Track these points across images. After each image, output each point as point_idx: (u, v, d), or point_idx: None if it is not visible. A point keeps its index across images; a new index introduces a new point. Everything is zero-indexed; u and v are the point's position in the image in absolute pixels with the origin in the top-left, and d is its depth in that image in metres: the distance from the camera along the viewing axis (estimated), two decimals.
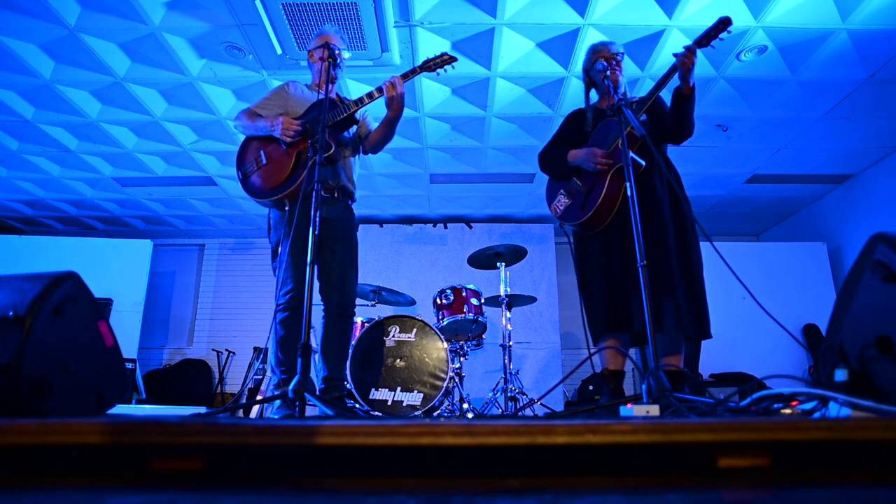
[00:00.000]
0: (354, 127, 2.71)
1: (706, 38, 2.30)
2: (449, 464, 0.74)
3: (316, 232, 1.92)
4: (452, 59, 2.52)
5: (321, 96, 2.39)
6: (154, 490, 0.70)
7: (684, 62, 2.25)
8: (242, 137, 2.69)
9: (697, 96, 2.45)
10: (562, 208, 2.49)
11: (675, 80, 2.34)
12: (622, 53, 2.53)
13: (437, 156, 4.91)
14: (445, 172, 5.23)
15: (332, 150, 2.40)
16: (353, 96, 3.88)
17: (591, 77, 2.61)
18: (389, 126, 2.59)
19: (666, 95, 2.52)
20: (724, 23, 2.27)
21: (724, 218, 6.30)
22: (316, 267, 2.49)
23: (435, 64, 2.52)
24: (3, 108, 4.03)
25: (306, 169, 2.38)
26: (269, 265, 2.63)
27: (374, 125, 2.70)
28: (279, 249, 2.51)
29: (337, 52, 2.52)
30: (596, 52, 2.56)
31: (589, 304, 2.42)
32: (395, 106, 2.48)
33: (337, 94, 2.65)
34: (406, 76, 2.51)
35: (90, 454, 0.76)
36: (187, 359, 6.50)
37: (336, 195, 2.58)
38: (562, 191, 2.52)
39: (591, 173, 2.41)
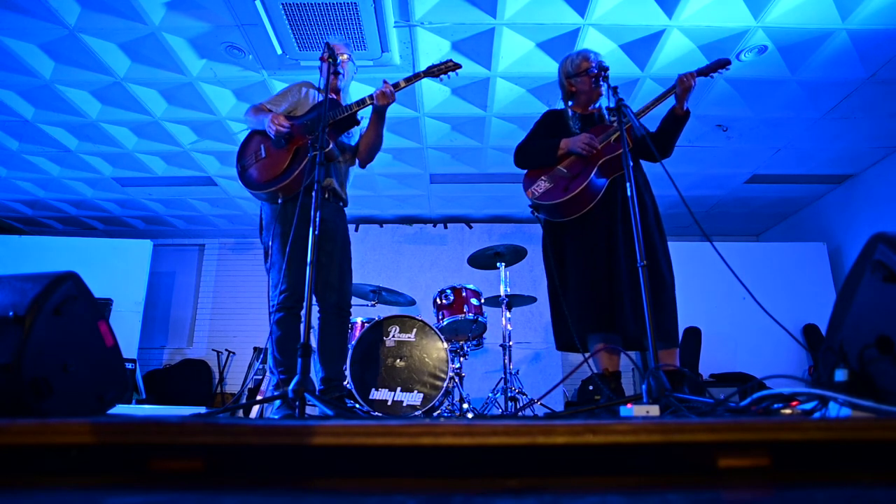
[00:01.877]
0: (356, 132, 2.72)
1: (708, 70, 2.48)
2: (449, 464, 0.74)
3: (316, 232, 1.92)
4: (457, 66, 2.53)
5: (334, 98, 2.45)
6: (154, 490, 0.70)
7: (685, 82, 2.38)
8: (242, 138, 2.72)
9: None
10: (540, 191, 2.47)
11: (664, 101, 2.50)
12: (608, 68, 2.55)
13: (437, 156, 4.91)
14: (445, 172, 5.23)
15: (329, 147, 2.41)
16: (354, 96, 3.88)
17: (574, 83, 2.59)
18: (376, 127, 2.60)
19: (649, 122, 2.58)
20: (723, 62, 2.49)
21: (724, 218, 6.30)
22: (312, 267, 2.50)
23: (439, 70, 2.52)
24: (3, 108, 4.03)
25: (301, 164, 2.40)
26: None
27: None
28: (272, 249, 2.51)
29: (344, 54, 2.58)
30: (586, 58, 2.57)
31: (566, 304, 2.42)
32: (383, 110, 2.52)
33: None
34: (409, 80, 2.52)
35: (90, 454, 0.76)
36: (187, 359, 6.50)
37: (327, 196, 2.58)
38: (544, 177, 2.51)
39: (579, 163, 2.43)
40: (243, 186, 2.58)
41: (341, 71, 2.61)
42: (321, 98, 2.64)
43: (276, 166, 2.49)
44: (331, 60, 2.36)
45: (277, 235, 2.49)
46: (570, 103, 2.67)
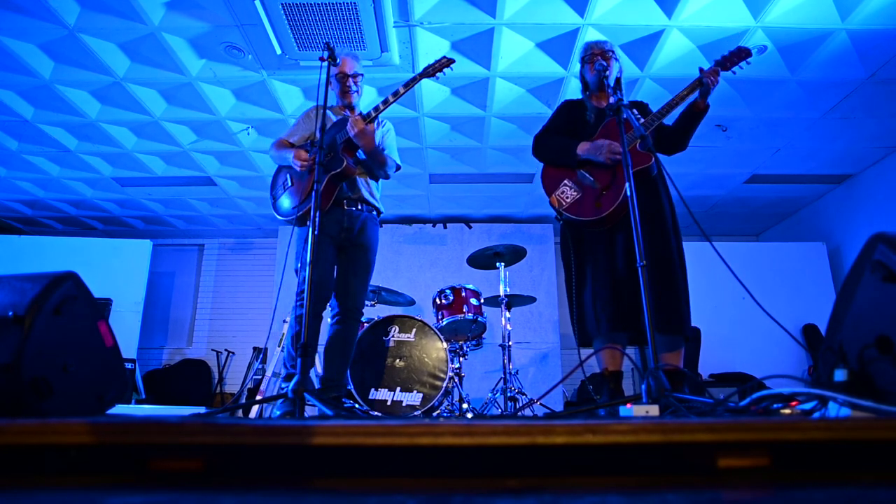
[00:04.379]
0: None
1: (728, 63, 2.39)
2: (449, 464, 0.74)
3: (316, 231, 1.96)
4: (451, 62, 2.56)
5: (344, 115, 2.60)
6: (154, 490, 0.70)
7: (712, 80, 2.33)
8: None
9: None
10: (568, 201, 2.41)
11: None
12: (612, 51, 2.53)
13: (437, 156, 4.91)
14: (445, 172, 5.23)
15: (343, 167, 2.50)
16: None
17: (583, 75, 2.61)
18: (367, 157, 2.65)
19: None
20: (743, 52, 2.37)
21: (724, 218, 6.30)
22: (335, 269, 2.68)
23: (434, 69, 2.56)
24: (3, 108, 4.02)
25: (314, 188, 2.49)
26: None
27: (389, 139, 2.80)
28: (302, 257, 2.61)
29: (358, 73, 2.69)
30: (585, 50, 2.57)
31: (587, 301, 2.40)
32: (361, 141, 2.55)
33: (360, 114, 2.72)
34: (408, 85, 2.57)
35: (90, 454, 0.75)
36: (187, 359, 6.50)
37: (359, 206, 2.68)
38: (568, 182, 2.44)
39: (606, 170, 2.37)
40: (276, 216, 2.77)
41: (356, 88, 2.71)
42: (336, 118, 2.72)
43: (302, 192, 2.63)
44: (330, 60, 2.37)
45: (307, 242, 2.58)
46: (587, 93, 2.65)
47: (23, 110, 4.06)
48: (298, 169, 2.60)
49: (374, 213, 2.78)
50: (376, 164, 2.68)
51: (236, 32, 3.28)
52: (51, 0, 2.98)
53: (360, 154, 2.63)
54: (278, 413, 2.40)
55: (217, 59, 3.55)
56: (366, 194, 2.71)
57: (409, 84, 2.56)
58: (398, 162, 2.81)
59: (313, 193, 2.02)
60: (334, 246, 2.63)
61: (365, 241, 2.70)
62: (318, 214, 1.98)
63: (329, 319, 2.70)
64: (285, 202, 2.70)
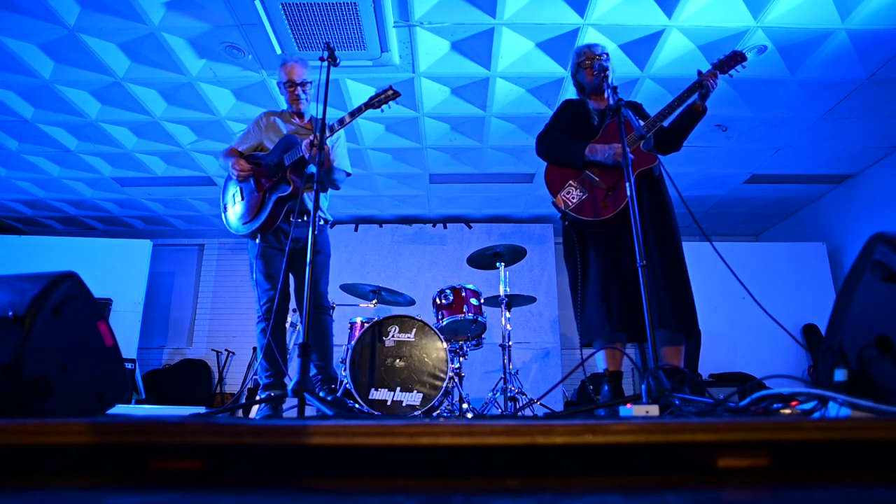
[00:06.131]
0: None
1: (725, 66, 2.41)
2: (448, 464, 0.74)
3: (315, 232, 1.98)
4: (397, 94, 2.54)
5: (294, 127, 2.74)
6: (154, 490, 0.70)
7: (711, 83, 2.34)
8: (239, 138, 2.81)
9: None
10: (574, 201, 2.40)
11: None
12: (606, 53, 2.55)
13: (437, 156, 4.91)
14: (445, 172, 5.23)
15: (290, 190, 2.58)
16: (354, 96, 3.89)
17: (579, 81, 2.62)
18: (323, 177, 2.69)
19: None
20: (739, 55, 2.40)
21: (724, 218, 6.30)
22: (292, 278, 2.79)
23: (379, 101, 2.53)
24: (3, 108, 4.02)
25: (270, 206, 2.64)
26: None
27: (339, 147, 2.83)
28: (256, 271, 2.73)
29: (307, 81, 2.74)
30: (580, 55, 2.58)
31: (592, 301, 2.40)
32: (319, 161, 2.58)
33: (311, 118, 2.82)
34: (353, 114, 2.55)
35: (90, 454, 0.75)
36: (187, 359, 6.50)
37: (305, 218, 2.73)
38: (573, 182, 2.44)
39: (611, 171, 2.38)
40: (227, 228, 2.83)
41: (305, 96, 2.76)
42: (289, 127, 2.79)
43: (250, 211, 2.70)
44: (331, 60, 2.37)
45: (260, 257, 2.70)
46: (583, 96, 2.66)
47: (23, 110, 4.06)
48: (236, 178, 2.70)
49: (321, 221, 2.80)
50: (328, 182, 2.75)
51: (236, 32, 3.28)
52: (51, 0, 2.98)
53: (309, 169, 2.64)
54: (258, 418, 2.47)
55: (217, 59, 3.55)
56: (310, 207, 2.74)
57: (355, 113, 2.54)
58: (348, 170, 2.86)
59: (313, 194, 2.04)
60: (286, 259, 2.66)
61: (316, 247, 2.72)
62: (316, 214, 2.00)
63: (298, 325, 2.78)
64: (235, 217, 2.76)
